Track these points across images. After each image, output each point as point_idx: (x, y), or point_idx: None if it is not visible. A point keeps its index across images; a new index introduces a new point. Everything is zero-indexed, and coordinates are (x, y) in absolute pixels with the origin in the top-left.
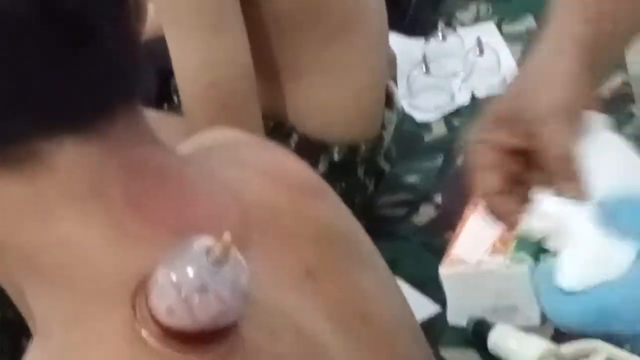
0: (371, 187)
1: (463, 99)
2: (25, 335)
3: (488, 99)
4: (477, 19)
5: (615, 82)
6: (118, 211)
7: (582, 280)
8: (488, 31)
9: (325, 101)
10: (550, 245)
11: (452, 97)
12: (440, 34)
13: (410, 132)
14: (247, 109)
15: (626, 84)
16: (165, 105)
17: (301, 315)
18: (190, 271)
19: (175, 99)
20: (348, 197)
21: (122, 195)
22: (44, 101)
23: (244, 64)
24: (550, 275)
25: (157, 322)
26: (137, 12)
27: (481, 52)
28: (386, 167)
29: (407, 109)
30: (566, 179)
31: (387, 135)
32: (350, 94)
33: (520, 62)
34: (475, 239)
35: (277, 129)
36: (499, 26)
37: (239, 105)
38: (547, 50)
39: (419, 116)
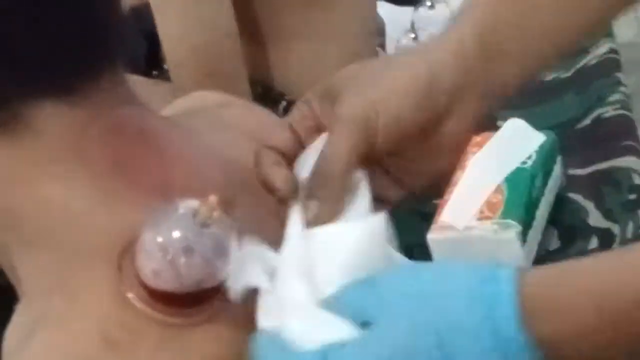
0: None
1: None
2: (15, 302)
3: None
4: None
5: (602, 49)
6: (102, 173)
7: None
8: None
9: (313, 66)
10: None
11: None
12: (428, 2)
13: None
14: (234, 74)
15: (613, 51)
16: (155, 72)
17: None
18: (176, 233)
19: (165, 65)
20: None
21: (106, 157)
22: (26, 64)
23: (228, 28)
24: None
25: (143, 284)
26: None
27: None
28: None
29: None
30: (319, 197)
31: None
32: (337, 59)
33: None
34: (463, 205)
35: (265, 94)
36: None
37: (225, 70)
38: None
39: None
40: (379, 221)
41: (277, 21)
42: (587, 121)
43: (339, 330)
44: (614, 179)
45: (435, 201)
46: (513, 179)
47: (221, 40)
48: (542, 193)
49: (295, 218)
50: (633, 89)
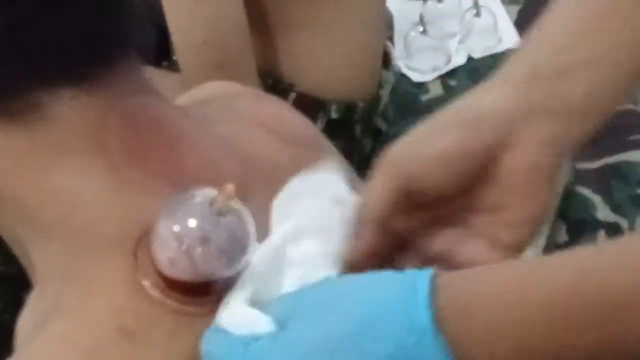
0: (368, 146)
1: (460, 60)
2: (25, 289)
3: (484, 60)
4: None
5: None
6: (117, 162)
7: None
8: None
9: (322, 58)
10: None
11: (449, 58)
12: None
13: (407, 92)
14: (243, 66)
15: None
16: (165, 63)
17: None
18: (192, 222)
19: (174, 57)
20: (345, 156)
21: (122, 145)
22: (42, 52)
23: (237, 20)
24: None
25: (158, 273)
26: None
27: (478, 13)
28: (383, 126)
29: (404, 70)
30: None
31: (384, 95)
32: (346, 51)
33: (517, 23)
34: None
35: (275, 86)
36: None
37: (234, 62)
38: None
39: (416, 77)
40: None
41: (286, 12)
42: None
43: (261, 325)
44: (622, 173)
45: None
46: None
47: (230, 32)
48: None
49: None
50: None
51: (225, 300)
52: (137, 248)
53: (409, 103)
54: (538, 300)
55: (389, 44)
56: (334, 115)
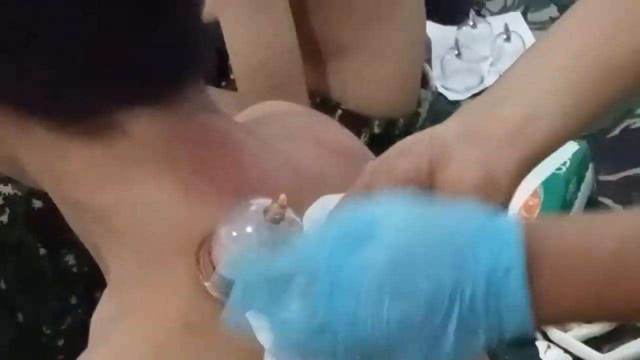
0: None
1: (491, 80)
2: (97, 287)
3: None
4: (505, 9)
5: None
6: (185, 174)
7: None
8: (515, 19)
9: (369, 79)
10: None
11: (482, 79)
12: (471, 22)
13: (443, 110)
14: (294, 86)
15: None
16: (223, 83)
17: None
18: (249, 228)
19: (232, 76)
20: None
21: (189, 159)
22: (126, 76)
23: (290, 44)
24: None
25: (219, 275)
26: None
27: (508, 38)
28: None
29: (441, 89)
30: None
31: (423, 112)
32: (391, 72)
33: None
34: None
35: (323, 104)
36: (524, 15)
37: (286, 83)
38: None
39: (451, 96)
40: None
41: (336, 39)
42: (616, 132)
43: None
44: None
45: None
46: (549, 184)
47: (284, 55)
48: (575, 197)
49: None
50: None
51: None
52: (199, 252)
53: (445, 119)
54: (613, 249)
55: (427, 66)
56: (376, 130)
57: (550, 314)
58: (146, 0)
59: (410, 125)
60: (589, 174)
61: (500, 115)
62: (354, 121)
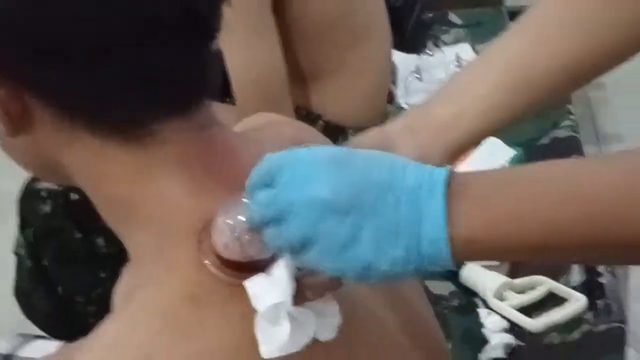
0: None
1: None
2: (123, 265)
3: None
4: (457, 40)
5: None
6: (196, 175)
7: None
8: (464, 49)
9: (344, 96)
10: None
11: None
12: (429, 51)
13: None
14: (282, 100)
15: None
16: (227, 100)
17: None
18: (241, 217)
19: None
20: None
21: (202, 163)
22: (161, 91)
23: (278, 64)
24: None
25: (216, 254)
26: None
27: (459, 64)
28: None
29: (404, 105)
30: None
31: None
32: (363, 91)
33: None
34: None
35: (307, 116)
36: (472, 46)
37: (276, 97)
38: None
39: None
40: None
41: (316, 62)
42: (545, 140)
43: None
44: None
45: None
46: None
47: (273, 73)
48: None
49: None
50: (579, 117)
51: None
52: (200, 235)
53: None
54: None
55: (392, 86)
56: (351, 137)
57: (462, 234)
58: (193, 29)
59: None
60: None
61: (434, 113)
62: (333, 130)
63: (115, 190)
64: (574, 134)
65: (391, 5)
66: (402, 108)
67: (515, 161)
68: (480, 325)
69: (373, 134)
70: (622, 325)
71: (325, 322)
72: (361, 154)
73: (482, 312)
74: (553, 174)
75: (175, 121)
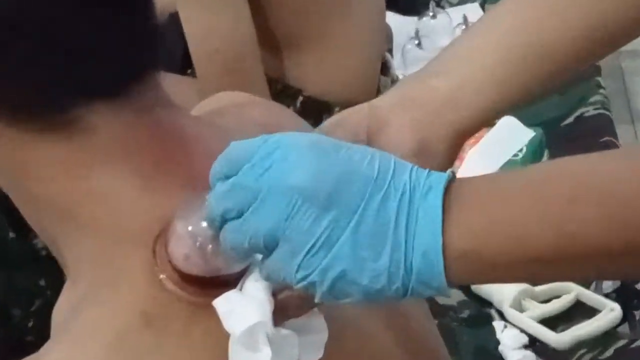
0: None
1: None
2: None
3: None
4: (464, 0)
5: None
6: (143, 168)
7: None
8: (473, 10)
9: (328, 69)
10: None
11: None
12: (431, 13)
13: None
14: (252, 72)
15: None
16: (189, 71)
17: None
18: (204, 222)
19: None
20: None
21: (148, 154)
22: (82, 70)
23: (246, 33)
24: None
25: (174, 268)
26: None
27: (467, 28)
28: None
29: (401, 78)
30: None
31: None
32: (350, 62)
33: None
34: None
35: (284, 91)
36: (482, 6)
37: (243, 69)
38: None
39: None
40: None
41: (296, 28)
42: (571, 119)
43: None
44: None
45: None
46: (506, 169)
47: (240, 42)
48: None
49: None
50: (611, 91)
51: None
52: (155, 244)
53: None
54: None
55: (388, 55)
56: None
57: (460, 246)
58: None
59: None
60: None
61: (430, 86)
62: (315, 107)
63: (41, 190)
64: (604, 111)
65: None
66: (398, 81)
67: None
68: (496, 341)
69: (359, 108)
70: None
71: (310, 340)
72: (348, 145)
73: (498, 325)
74: (566, 172)
75: (103, 104)
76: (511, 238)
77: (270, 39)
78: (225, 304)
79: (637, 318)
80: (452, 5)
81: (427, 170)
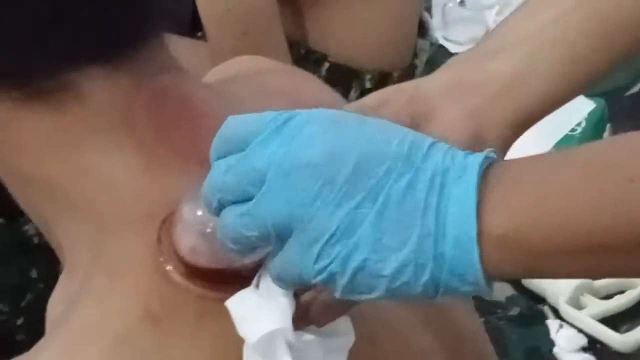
0: None
1: None
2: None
3: None
4: None
5: None
6: (145, 140)
7: None
8: None
9: (356, 29)
10: None
11: (487, 30)
12: None
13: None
14: (268, 35)
15: None
16: (199, 34)
17: None
18: None
19: None
20: None
21: (149, 124)
22: (72, 31)
23: None
24: None
25: (180, 259)
26: None
27: None
28: None
29: (441, 41)
30: None
31: (420, 64)
32: (381, 22)
33: None
34: None
35: (308, 56)
36: None
37: (258, 30)
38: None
39: (453, 48)
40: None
41: None
42: (636, 89)
43: None
44: None
45: None
46: (562, 145)
47: (255, 1)
48: None
49: None
50: None
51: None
52: (160, 231)
53: None
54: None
55: (426, 14)
56: (368, 85)
57: (497, 232)
58: None
59: (406, 78)
60: (606, 136)
61: (490, 70)
62: (343, 75)
63: (30, 167)
64: None
65: None
66: (439, 45)
67: (596, 117)
68: (550, 342)
69: (403, 88)
70: None
71: (334, 345)
72: (378, 121)
73: (552, 324)
74: (627, 147)
75: (96, 69)
76: (557, 223)
77: None
78: (239, 305)
79: None
80: None
81: (465, 152)
